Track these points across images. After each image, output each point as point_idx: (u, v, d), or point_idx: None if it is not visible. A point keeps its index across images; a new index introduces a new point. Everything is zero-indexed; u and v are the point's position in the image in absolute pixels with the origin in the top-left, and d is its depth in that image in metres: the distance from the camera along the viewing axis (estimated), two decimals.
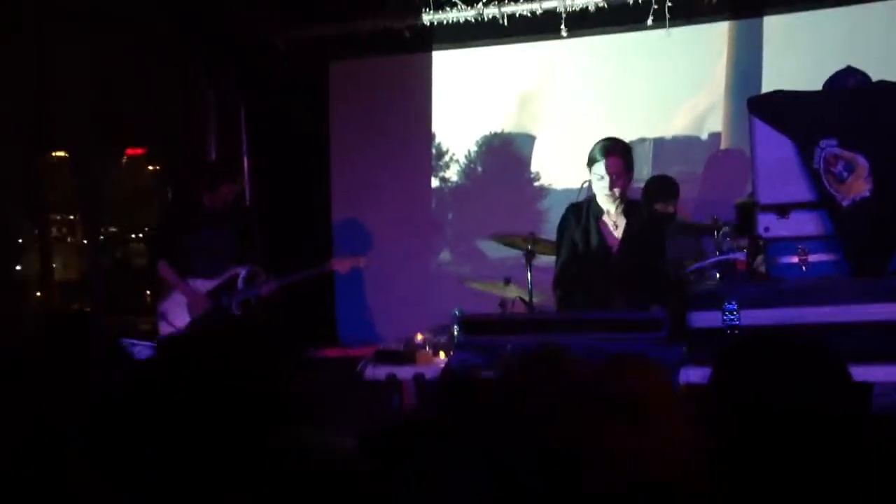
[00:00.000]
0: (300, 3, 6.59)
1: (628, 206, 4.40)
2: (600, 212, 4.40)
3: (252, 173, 6.84)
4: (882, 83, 3.53)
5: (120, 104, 6.87)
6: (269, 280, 5.38)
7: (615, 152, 4.33)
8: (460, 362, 3.57)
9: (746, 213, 3.98)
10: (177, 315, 5.36)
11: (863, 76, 3.99)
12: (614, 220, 4.39)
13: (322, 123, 7.03)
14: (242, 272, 5.31)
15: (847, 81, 3.97)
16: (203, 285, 5.36)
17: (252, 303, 5.32)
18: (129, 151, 8.37)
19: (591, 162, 4.36)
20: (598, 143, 4.41)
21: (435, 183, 7.12)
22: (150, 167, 8.56)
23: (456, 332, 3.73)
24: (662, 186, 5.37)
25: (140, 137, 7.83)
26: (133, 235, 8.64)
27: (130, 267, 8.19)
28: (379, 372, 4.00)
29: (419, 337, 4.14)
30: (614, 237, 4.38)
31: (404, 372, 3.97)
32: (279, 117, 6.85)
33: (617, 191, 4.31)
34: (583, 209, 4.44)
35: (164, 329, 5.40)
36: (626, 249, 4.34)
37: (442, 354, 4.03)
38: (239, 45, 6.68)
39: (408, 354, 4.01)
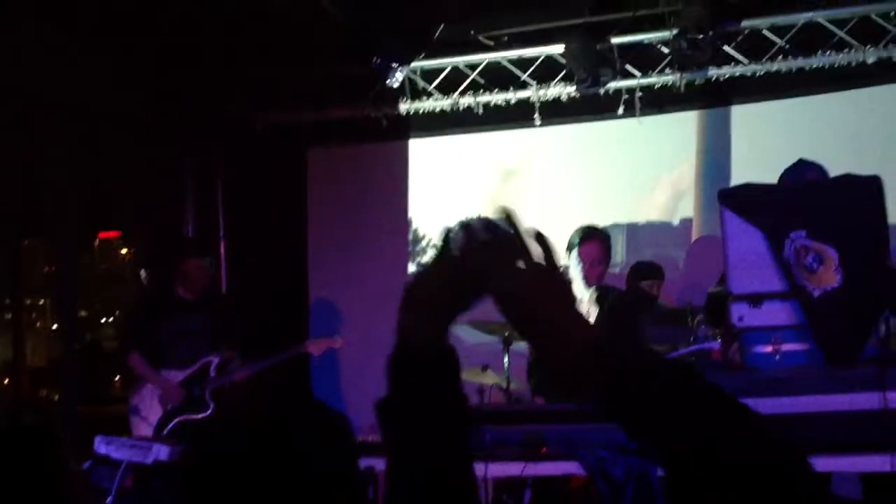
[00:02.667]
0: (279, 89, 6.69)
1: (602, 294, 4.44)
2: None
3: (229, 255, 6.85)
4: (849, 175, 3.63)
5: (99, 189, 6.89)
6: (243, 366, 5.34)
7: (593, 239, 4.39)
8: None
9: (718, 302, 4.05)
10: (149, 408, 5.29)
11: (819, 168, 4.07)
12: (588, 308, 4.42)
13: (300, 206, 7.08)
14: (215, 360, 5.27)
15: (805, 173, 4.06)
16: (176, 376, 5.30)
17: (225, 391, 5.27)
18: (102, 234, 8.37)
19: (569, 248, 4.41)
20: (577, 229, 4.47)
21: (412, 268, 7.16)
22: (124, 250, 8.55)
23: None
24: (650, 267, 5.44)
25: (116, 221, 7.85)
26: (104, 319, 8.57)
27: (100, 351, 8.10)
28: None
29: None
30: None
31: (382, 464, 3.91)
32: (257, 200, 6.90)
33: (592, 278, 4.35)
34: None
35: (137, 423, 5.33)
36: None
37: None
38: (219, 128, 6.75)
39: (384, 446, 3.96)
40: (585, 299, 4.41)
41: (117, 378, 7.64)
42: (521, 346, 4.81)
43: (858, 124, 6.01)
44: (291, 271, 7.00)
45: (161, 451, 3.90)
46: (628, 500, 3.20)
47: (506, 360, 4.70)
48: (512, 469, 3.41)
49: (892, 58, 5.68)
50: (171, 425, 5.12)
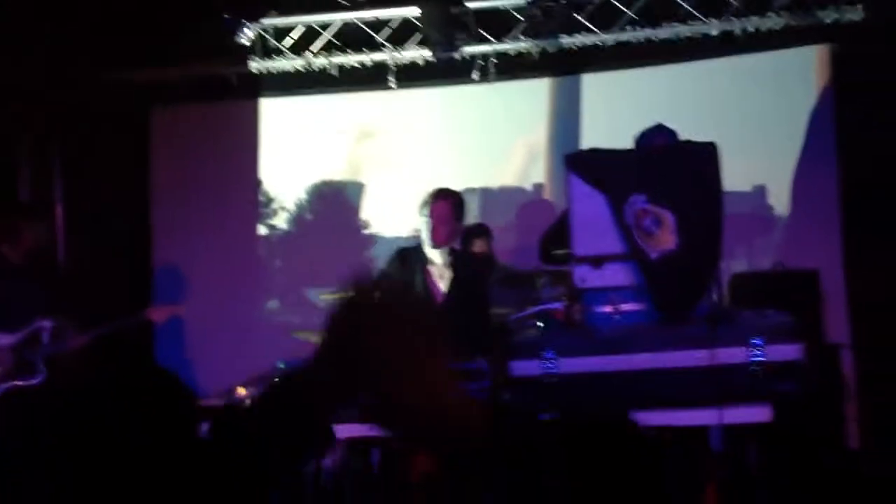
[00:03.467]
0: (120, 45, 6.38)
1: (455, 256, 4.44)
2: (426, 260, 4.42)
3: (67, 220, 6.52)
4: (688, 142, 3.75)
5: None
6: (79, 333, 5.11)
7: (443, 198, 4.39)
8: None
9: (545, 252, 4.17)
10: None
11: (671, 134, 4.21)
12: (440, 270, 4.42)
13: (143, 169, 6.81)
14: (48, 326, 5.03)
15: (656, 139, 4.19)
16: (4, 339, 5.03)
17: (59, 358, 5.03)
18: None
19: (422, 207, 4.41)
20: (432, 190, 4.46)
21: (262, 230, 7.02)
22: None
23: None
24: (475, 227, 5.53)
25: None
26: None
27: None
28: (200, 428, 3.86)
29: (241, 391, 4.04)
30: (438, 287, 4.41)
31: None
32: (97, 163, 6.58)
33: (440, 237, 4.33)
34: (409, 256, 4.45)
35: None
36: (451, 299, 4.37)
37: None
38: (56, 88, 6.40)
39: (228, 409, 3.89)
40: (438, 261, 4.40)
41: None
42: None
43: (701, 94, 6.24)
44: (134, 237, 6.73)
45: None
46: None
47: None
48: (358, 430, 3.40)
49: (734, 31, 5.91)
50: None
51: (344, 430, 3.43)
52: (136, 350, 6.17)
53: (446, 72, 6.42)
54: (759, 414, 3.11)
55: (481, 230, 5.59)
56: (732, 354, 3.14)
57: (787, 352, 3.14)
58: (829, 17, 5.78)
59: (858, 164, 5.96)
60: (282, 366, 3.70)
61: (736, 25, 5.89)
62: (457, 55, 6.23)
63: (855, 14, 5.74)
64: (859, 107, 5.97)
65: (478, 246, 5.33)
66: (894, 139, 5.74)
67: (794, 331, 3.17)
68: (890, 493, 4.94)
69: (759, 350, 3.14)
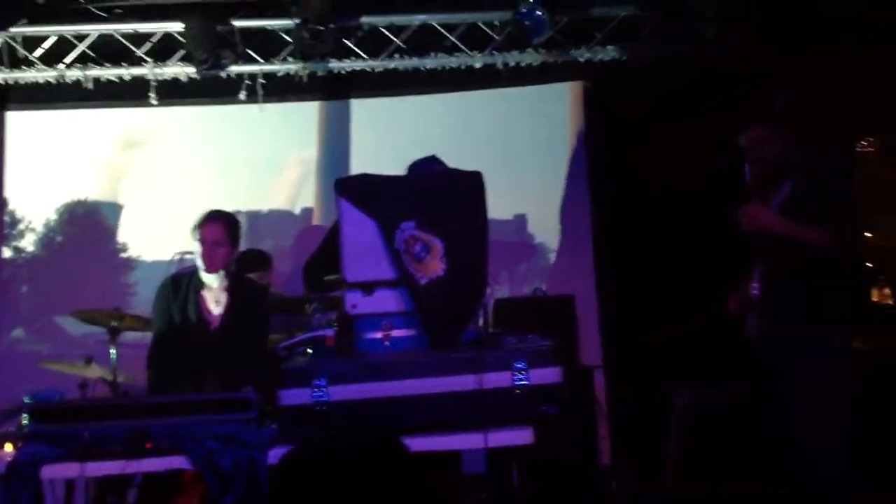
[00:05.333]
0: None
1: (231, 281, 4.31)
2: (201, 285, 4.27)
3: None
4: (455, 170, 3.84)
5: None
6: None
7: (215, 220, 4.25)
8: (30, 455, 3.22)
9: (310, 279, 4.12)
10: None
11: (442, 165, 4.32)
12: (216, 296, 4.27)
13: None
14: None
15: (432, 166, 4.27)
16: None
17: None
18: None
19: (194, 231, 4.25)
20: (206, 215, 4.30)
21: (7, 253, 6.50)
22: None
23: (25, 421, 3.37)
24: (257, 257, 5.39)
25: None
26: None
27: None
28: None
29: None
30: (213, 313, 4.26)
31: None
32: None
33: (214, 261, 4.19)
34: (183, 282, 4.28)
35: None
36: (226, 326, 4.23)
37: (9, 446, 3.61)
38: None
39: None
40: (214, 286, 4.25)
41: None
42: (128, 336, 4.55)
43: (466, 123, 6.44)
44: None
45: None
46: (236, 492, 3.13)
47: (113, 351, 4.41)
48: (112, 468, 3.19)
49: (497, 64, 6.14)
50: None
51: (94, 469, 3.22)
52: None
53: (212, 90, 6.25)
54: (521, 436, 3.20)
55: (260, 255, 5.46)
56: (498, 379, 3.22)
57: (548, 375, 3.25)
58: (582, 55, 6.15)
59: (608, 195, 6.36)
60: (28, 400, 3.41)
61: (498, 59, 6.13)
62: (223, 74, 6.07)
63: (605, 54, 6.14)
64: (609, 141, 6.38)
65: (256, 270, 5.20)
66: (640, 172, 6.17)
67: (554, 354, 3.29)
68: None
69: (522, 374, 3.24)
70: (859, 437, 3.82)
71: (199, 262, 4.22)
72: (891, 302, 7.58)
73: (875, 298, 8.01)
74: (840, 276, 3.74)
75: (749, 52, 5.82)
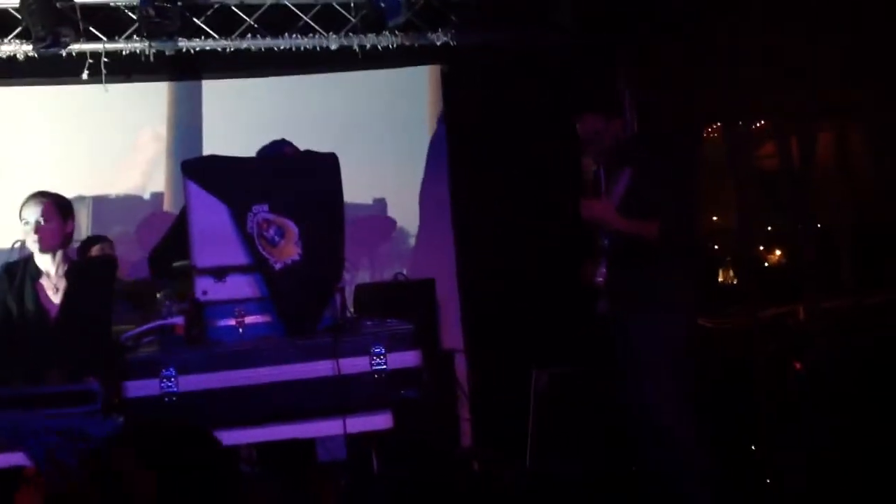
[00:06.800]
0: None
1: (71, 267, 4.08)
2: (38, 273, 4.04)
3: None
4: (309, 152, 3.74)
5: None
6: None
7: (41, 198, 4.04)
8: None
9: (157, 266, 3.97)
10: None
11: (293, 147, 4.20)
12: (55, 283, 4.05)
13: None
14: None
15: (282, 148, 4.15)
16: None
17: None
18: None
19: (20, 213, 4.01)
20: (27, 197, 4.06)
21: None
22: None
23: None
24: (92, 237, 5.22)
25: None
26: None
27: None
28: None
29: None
30: (52, 302, 4.03)
31: None
32: None
33: (47, 239, 3.98)
34: (18, 271, 4.03)
35: None
36: (66, 315, 4.01)
37: None
38: None
39: None
40: (52, 273, 4.02)
41: None
42: None
43: (322, 105, 6.33)
44: None
45: None
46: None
47: None
48: None
49: (353, 46, 6.05)
50: None
51: None
52: None
53: (52, 69, 5.90)
54: (381, 421, 3.16)
55: (98, 238, 5.26)
56: (356, 364, 3.17)
57: (407, 359, 3.22)
58: (439, 39, 6.12)
59: (466, 179, 6.38)
60: None
61: (354, 41, 6.03)
62: (63, 52, 5.75)
63: (462, 38, 6.14)
64: (467, 125, 6.40)
65: (95, 252, 4.97)
66: (497, 156, 6.22)
67: (413, 338, 3.26)
68: (495, 485, 5.33)
69: (380, 358, 3.19)
70: (707, 409, 3.98)
71: (32, 246, 3.99)
72: (735, 283, 7.93)
73: (720, 279, 8.36)
74: (674, 264, 3.91)
75: (596, 40, 5.94)
